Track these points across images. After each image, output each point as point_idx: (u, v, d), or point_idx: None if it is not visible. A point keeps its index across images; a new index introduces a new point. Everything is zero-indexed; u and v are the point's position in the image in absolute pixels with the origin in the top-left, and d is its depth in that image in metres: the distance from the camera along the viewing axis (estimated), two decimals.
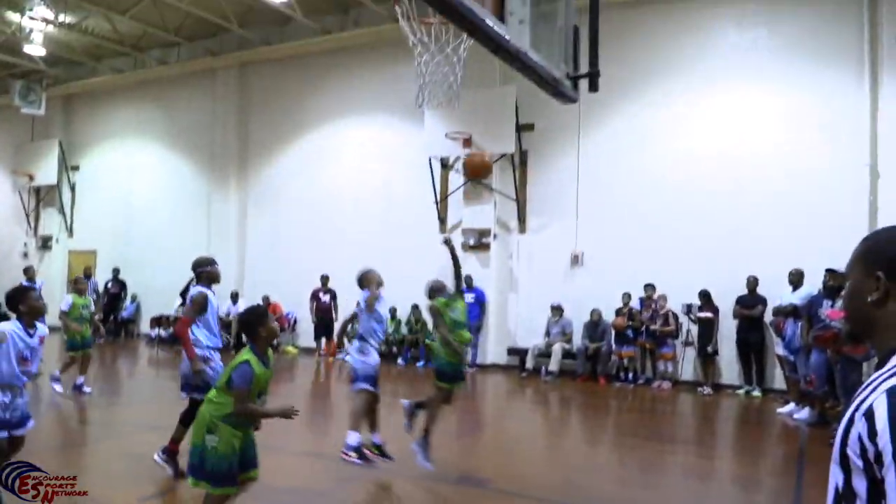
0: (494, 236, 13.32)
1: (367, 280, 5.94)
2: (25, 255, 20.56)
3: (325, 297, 14.14)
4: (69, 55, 18.12)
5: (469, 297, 12.99)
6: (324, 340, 14.51)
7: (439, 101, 8.34)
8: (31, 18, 15.79)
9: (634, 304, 11.96)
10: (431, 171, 13.56)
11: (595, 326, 12.26)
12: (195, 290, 5.60)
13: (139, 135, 18.75)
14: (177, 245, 17.29)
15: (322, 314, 14.27)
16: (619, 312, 12.00)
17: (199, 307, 5.48)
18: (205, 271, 5.62)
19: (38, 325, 4.35)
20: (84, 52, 18.09)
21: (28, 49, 17.13)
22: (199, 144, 17.44)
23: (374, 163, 14.99)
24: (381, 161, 14.88)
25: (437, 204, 13.86)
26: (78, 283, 9.58)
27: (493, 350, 13.32)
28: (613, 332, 12.06)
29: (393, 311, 14.10)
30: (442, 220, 13.99)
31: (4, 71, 19.46)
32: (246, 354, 3.63)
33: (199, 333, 5.47)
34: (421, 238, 14.18)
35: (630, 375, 11.94)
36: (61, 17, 15.74)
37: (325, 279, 14.24)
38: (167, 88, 18.17)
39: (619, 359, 12.12)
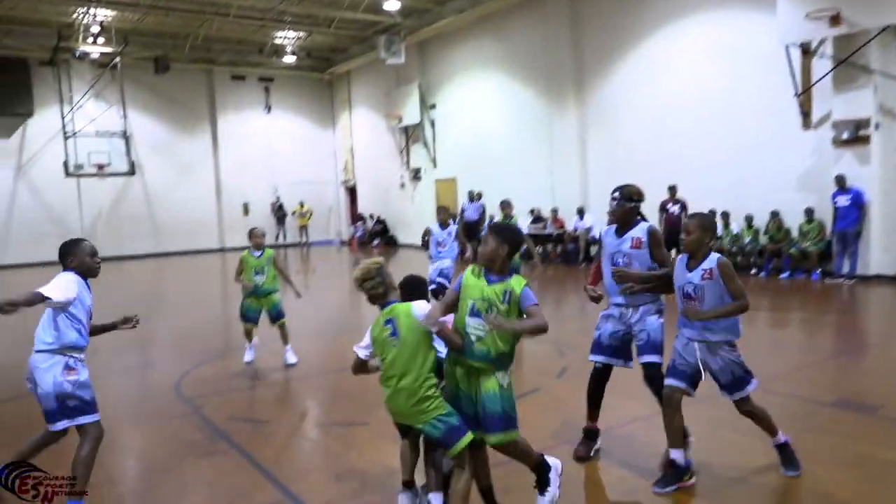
0: (876, 126, 11.23)
1: None
2: (402, 185, 23.99)
3: (675, 208, 13.55)
4: (417, 4, 19.92)
5: (844, 200, 11.37)
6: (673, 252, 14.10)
7: None
8: None
9: None
10: (789, 61, 11.88)
11: None
12: None
13: (482, 68, 19.97)
14: (522, 169, 18.31)
15: (671, 226, 13.67)
16: None
17: None
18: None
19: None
20: None
21: (386, 6, 19.34)
22: (535, 69, 17.91)
23: (716, 63, 13.66)
24: (725, 60, 13.48)
25: (797, 97, 12.17)
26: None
27: (876, 259, 11.46)
28: None
29: (749, 220, 13.05)
30: (805, 113, 12.27)
31: (370, 30, 22.34)
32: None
33: None
34: (777, 139, 12.71)
35: None
36: None
37: (672, 189, 13.65)
38: (503, 20, 18.84)
39: None
